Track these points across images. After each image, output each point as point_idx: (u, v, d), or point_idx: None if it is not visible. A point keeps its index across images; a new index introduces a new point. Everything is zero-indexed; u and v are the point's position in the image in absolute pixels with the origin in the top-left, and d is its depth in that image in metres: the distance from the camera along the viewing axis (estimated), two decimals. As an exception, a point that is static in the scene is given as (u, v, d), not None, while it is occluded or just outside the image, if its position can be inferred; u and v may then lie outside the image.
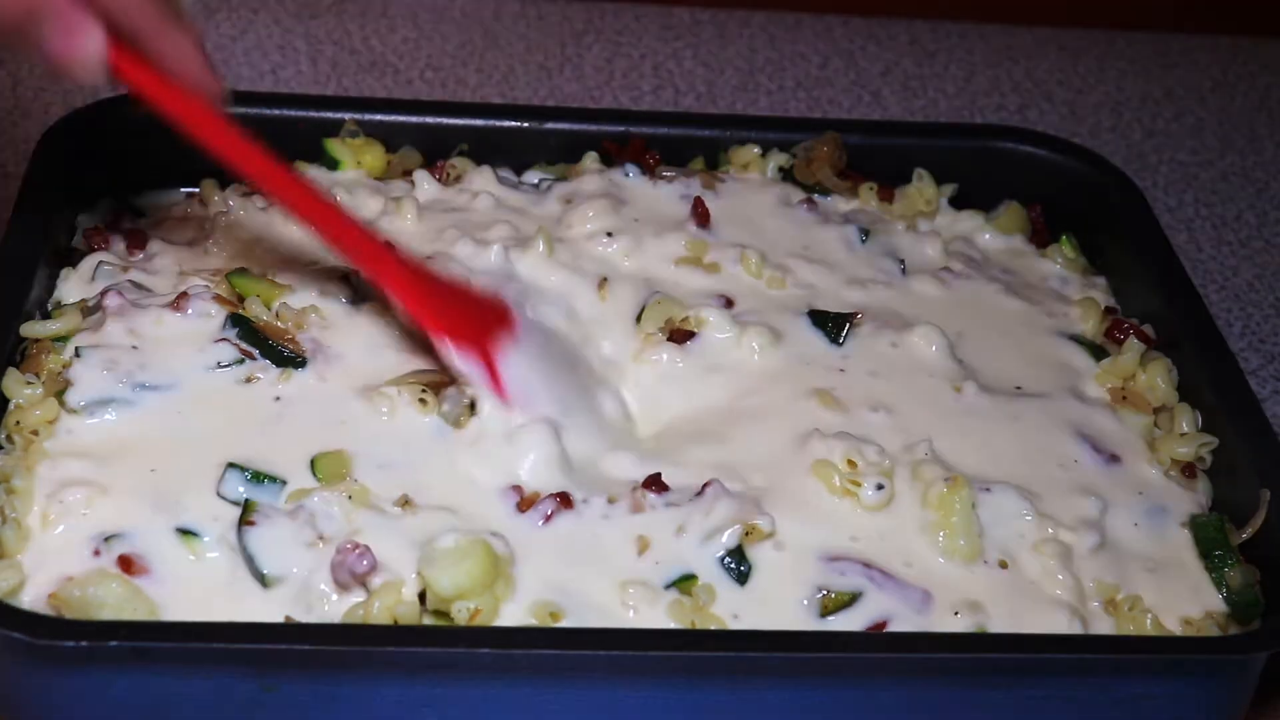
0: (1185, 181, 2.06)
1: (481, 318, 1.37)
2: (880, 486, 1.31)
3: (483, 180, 1.59)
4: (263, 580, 1.22)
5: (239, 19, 2.11)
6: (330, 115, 1.62)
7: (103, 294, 1.39)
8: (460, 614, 1.20)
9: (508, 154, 1.64)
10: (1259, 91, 2.25)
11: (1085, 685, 1.23)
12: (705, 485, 1.30)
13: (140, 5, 1.20)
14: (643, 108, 2.04)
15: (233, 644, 1.15)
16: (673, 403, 1.42)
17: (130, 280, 1.42)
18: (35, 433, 1.29)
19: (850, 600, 1.26)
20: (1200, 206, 2.02)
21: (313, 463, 1.29)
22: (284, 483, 1.27)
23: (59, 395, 1.31)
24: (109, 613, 1.18)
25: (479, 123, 1.64)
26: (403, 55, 2.09)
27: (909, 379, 1.44)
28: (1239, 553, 1.34)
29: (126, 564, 1.21)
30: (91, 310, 1.39)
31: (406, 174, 1.61)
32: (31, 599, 1.20)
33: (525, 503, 1.28)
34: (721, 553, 1.26)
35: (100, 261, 1.44)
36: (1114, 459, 1.41)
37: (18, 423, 1.29)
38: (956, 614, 1.26)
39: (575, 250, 1.51)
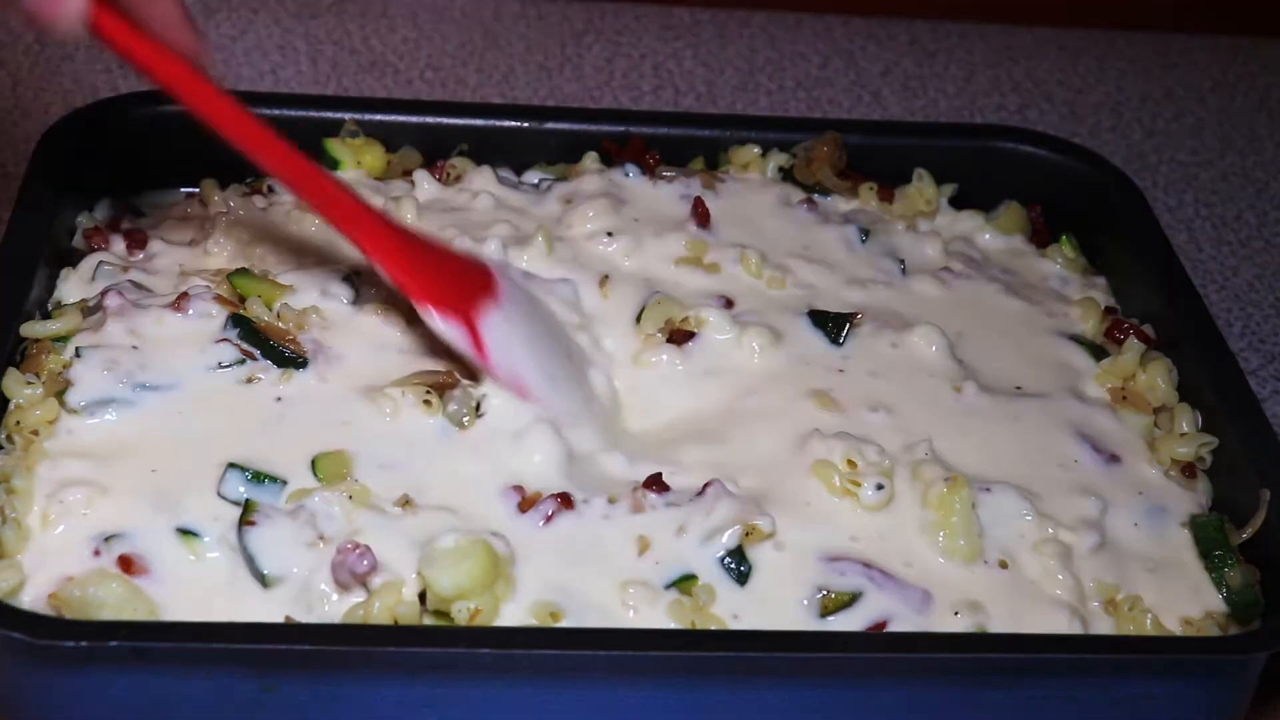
0: (1185, 181, 2.06)
1: (464, 281, 1.36)
2: (880, 486, 1.31)
3: (483, 180, 1.59)
4: (263, 580, 1.22)
5: (239, 19, 2.11)
6: (330, 115, 1.62)
7: (103, 294, 1.39)
8: (460, 614, 1.20)
9: (508, 154, 1.64)
10: (1259, 91, 2.25)
11: (1085, 685, 1.23)
12: (706, 485, 1.30)
13: None
14: (643, 108, 2.04)
15: (233, 644, 1.15)
16: (673, 403, 1.42)
17: (130, 280, 1.42)
18: (35, 433, 1.29)
19: (850, 600, 1.26)
20: (1200, 206, 2.02)
21: (313, 463, 1.29)
22: (284, 483, 1.27)
23: (59, 395, 1.31)
24: (109, 613, 1.18)
25: (479, 123, 1.64)
26: (403, 55, 2.09)
27: (909, 379, 1.44)
28: (1239, 553, 1.34)
29: (126, 564, 1.21)
30: (92, 310, 1.39)
31: (406, 174, 1.61)
32: (31, 599, 1.20)
33: (526, 503, 1.28)
34: (722, 553, 1.26)
35: (100, 261, 1.44)
36: (1114, 459, 1.41)
37: (18, 423, 1.29)
38: (956, 614, 1.26)
39: (575, 250, 1.51)
